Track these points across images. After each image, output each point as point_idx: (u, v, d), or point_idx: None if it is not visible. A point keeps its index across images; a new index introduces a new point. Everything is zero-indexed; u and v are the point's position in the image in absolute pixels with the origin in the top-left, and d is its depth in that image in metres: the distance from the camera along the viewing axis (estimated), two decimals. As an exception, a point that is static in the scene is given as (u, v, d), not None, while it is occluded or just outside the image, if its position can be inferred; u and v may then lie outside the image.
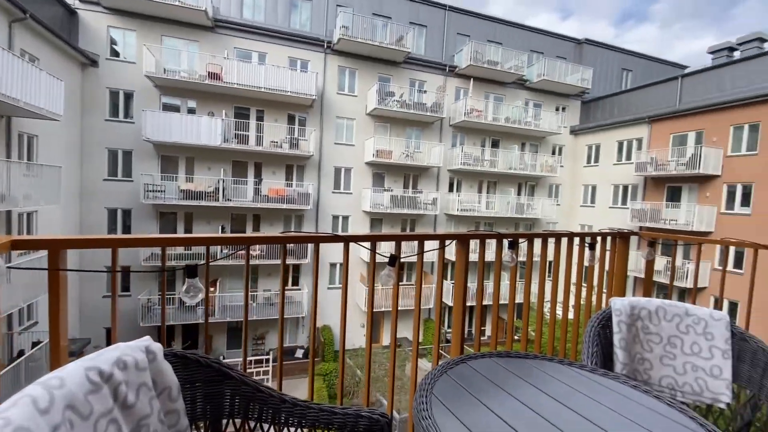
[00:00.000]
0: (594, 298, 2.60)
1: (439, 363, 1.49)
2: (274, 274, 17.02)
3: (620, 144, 20.14)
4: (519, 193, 21.89)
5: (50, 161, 11.37)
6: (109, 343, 1.04)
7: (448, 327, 19.32)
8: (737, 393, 1.58)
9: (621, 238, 2.79)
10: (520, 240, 2.11)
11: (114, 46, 14.63)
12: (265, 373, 14.23)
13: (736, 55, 18.48)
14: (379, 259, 1.66)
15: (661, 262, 17.19)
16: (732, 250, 15.33)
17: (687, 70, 20.01)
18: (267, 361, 15.84)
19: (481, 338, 2.22)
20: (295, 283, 17.80)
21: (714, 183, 15.94)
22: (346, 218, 18.37)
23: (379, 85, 17.29)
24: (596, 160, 21.48)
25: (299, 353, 17.57)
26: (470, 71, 19.31)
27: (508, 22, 21.73)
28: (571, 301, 2.44)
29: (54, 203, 10.42)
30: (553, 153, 22.36)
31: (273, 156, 16.48)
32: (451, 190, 20.35)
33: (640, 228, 18.54)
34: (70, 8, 13.35)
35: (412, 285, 18.43)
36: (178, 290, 16.03)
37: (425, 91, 18.71)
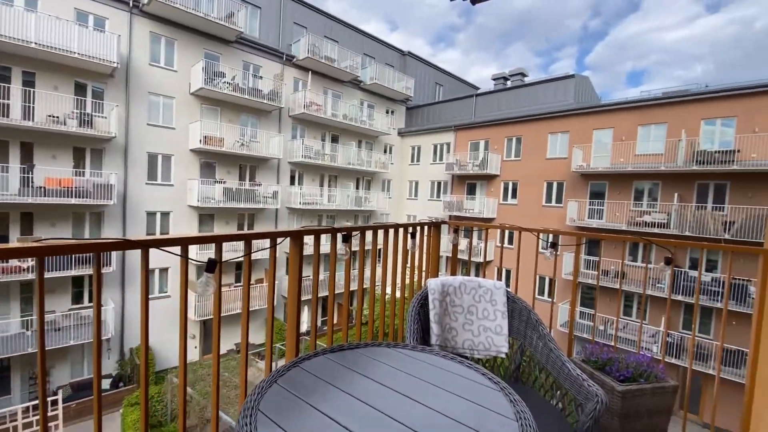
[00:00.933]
0: (415, 280, 2.96)
1: (272, 370, 1.39)
2: (58, 291, 13.04)
3: (435, 147, 23.88)
4: (357, 187, 23.30)
5: None
6: None
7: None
8: (511, 344, 2.06)
9: (434, 226, 3.26)
10: (353, 233, 2.19)
11: None
12: (53, 418, 10.78)
13: (509, 83, 24.46)
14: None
15: (464, 243, 21.27)
16: (507, 232, 20.39)
17: (479, 91, 25.31)
18: (55, 402, 12.07)
19: (327, 328, 2.21)
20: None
21: (496, 181, 20.80)
22: (166, 215, 15.64)
23: (205, 62, 15.27)
24: (418, 160, 24.87)
25: (107, 383, 14.14)
26: (308, 64, 19.24)
27: (345, 23, 22.61)
28: (399, 284, 2.71)
29: None
30: (385, 151, 24.71)
31: (52, 135, 12.48)
32: (293, 182, 19.95)
33: (450, 217, 22.54)
34: None
35: (260, 285, 17.29)
36: None
37: (261, 77, 17.62)
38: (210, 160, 16.67)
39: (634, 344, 15.02)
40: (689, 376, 1.85)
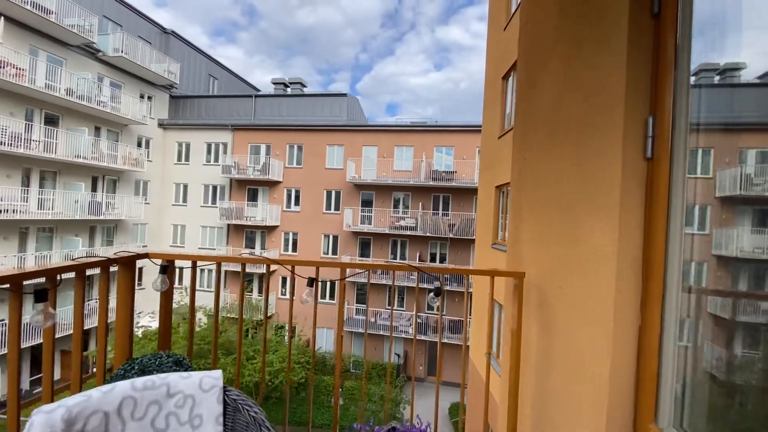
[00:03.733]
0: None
1: None
2: None
3: (209, 145, 21.08)
4: (95, 189, 17.55)
5: None
6: None
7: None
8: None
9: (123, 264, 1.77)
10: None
11: None
12: None
13: (288, 90, 24.54)
14: None
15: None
16: (291, 238, 20.19)
17: (260, 93, 24.20)
18: None
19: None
20: None
21: (278, 187, 20.32)
22: None
23: None
24: (187, 159, 21.28)
25: None
26: (2, 6, 12.92)
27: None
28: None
29: None
30: (140, 145, 19.81)
31: None
32: (-39, 179, 12.81)
33: (228, 226, 20.41)
34: None
35: None
36: None
37: None
38: None
39: (395, 330, 17.80)
40: (440, 348, 1.86)
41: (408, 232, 18.28)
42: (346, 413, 14.58)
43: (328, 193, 19.92)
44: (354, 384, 15.85)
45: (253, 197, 20.75)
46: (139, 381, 0.99)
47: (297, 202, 20.30)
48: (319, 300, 2.68)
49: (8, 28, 13.44)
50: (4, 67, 12.83)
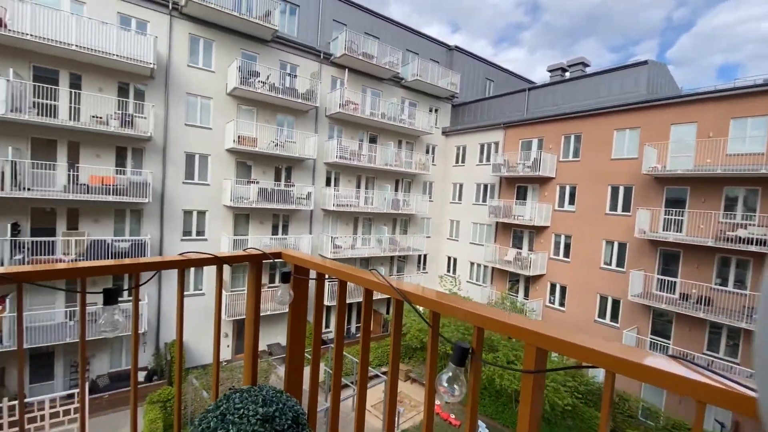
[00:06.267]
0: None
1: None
2: (100, 283, 13.60)
3: (482, 146, 22.06)
4: (396, 189, 22.27)
5: None
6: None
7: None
8: None
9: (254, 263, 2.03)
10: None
11: None
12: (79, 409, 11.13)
13: (567, 75, 21.89)
14: None
15: (512, 253, 19.31)
16: (562, 241, 18.04)
17: (533, 85, 22.97)
18: (92, 391, 12.58)
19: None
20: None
21: (550, 184, 18.52)
22: (202, 213, 15.85)
23: (241, 61, 15.24)
24: (463, 160, 23.20)
25: (142, 376, 14.56)
26: (346, 61, 18.63)
27: (385, 18, 21.77)
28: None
29: None
30: (428, 152, 23.39)
31: (96, 135, 13.04)
32: (329, 184, 19.46)
33: (497, 224, 20.64)
34: None
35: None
36: (-63, 313, 11.52)
37: (296, 76, 17.31)
38: (246, 161, 16.67)
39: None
40: None
41: (753, 248, 12.00)
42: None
43: (614, 190, 16.20)
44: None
45: (522, 195, 20.00)
46: None
47: (572, 201, 17.78)
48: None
49: (350, 76, 19.16)
50: (348, 105, 18.40)
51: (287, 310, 1.72)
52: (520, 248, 19.66)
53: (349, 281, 1.44)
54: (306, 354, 1.80)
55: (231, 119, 15.79)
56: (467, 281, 22.04)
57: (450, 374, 0.99)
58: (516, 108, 21.50)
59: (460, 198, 23.30)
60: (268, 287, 16.49)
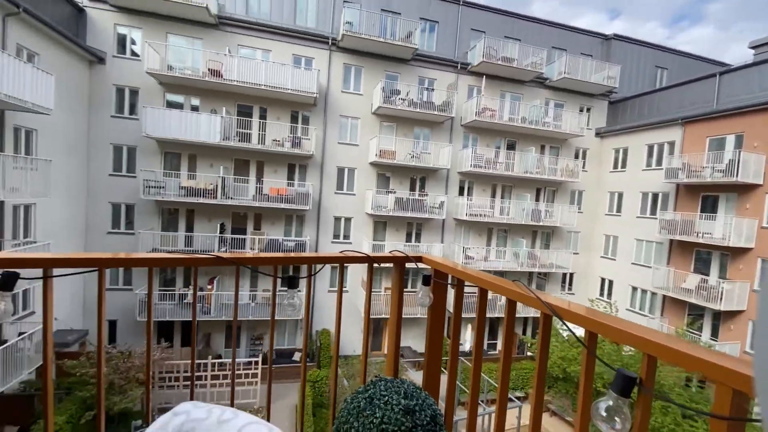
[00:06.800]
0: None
1: None
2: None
3: (650, 148, 18.39)
4: (537, 199, 20.52)
5: (52, 156, 11.55)
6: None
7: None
8: None
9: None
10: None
11: (133, 46, 14.90)
12: (255, 375, 13.89)
13: (789, 48, 16.36)
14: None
15: (693, 280, 15.51)
16: (777, 269, 13.44)
17: (727, 68, 17.90)
18: (257, 363, 15.58)
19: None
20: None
21: (755, 193, 14.09)
22: (348, 220, 17.84)
23: (384, 82, 16.66)
24: (623, 165, 19.78)
25: (297, 356, 17.19)
26: (483, 68, 18.27)
27: (527, 17, 20.48)
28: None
29: (42, 196, 10.52)
30: (577, 156, 20.84)
31: (275, 155, 16.22)
32: (461, 193, 19.35)
33: (670, 242, 16.87)
34: (78, 6, 13.66)
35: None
36: (177, 287, 16.09)
37: (433, 90, 17.87)
38: (385, 172, 18.05)
39: None
40: None
41: None
42: None
43: None
44: None
45: (710, 207, 15.81)
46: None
47: (795, 215, 13.12)
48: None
49: (488, 82, 18.68)
50: (484, 112, 17.99)
51: (422, 314, 1.83)
52: (706, 274, 15.47)
53: (489, 290, 1.43)
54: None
55: (374, 135, 17.37)
56: (627, 309, 18.55)
57: (610, 403, 0.89)
58: (701, 98, 17.15)
59: (618, 209, 19.89)
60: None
